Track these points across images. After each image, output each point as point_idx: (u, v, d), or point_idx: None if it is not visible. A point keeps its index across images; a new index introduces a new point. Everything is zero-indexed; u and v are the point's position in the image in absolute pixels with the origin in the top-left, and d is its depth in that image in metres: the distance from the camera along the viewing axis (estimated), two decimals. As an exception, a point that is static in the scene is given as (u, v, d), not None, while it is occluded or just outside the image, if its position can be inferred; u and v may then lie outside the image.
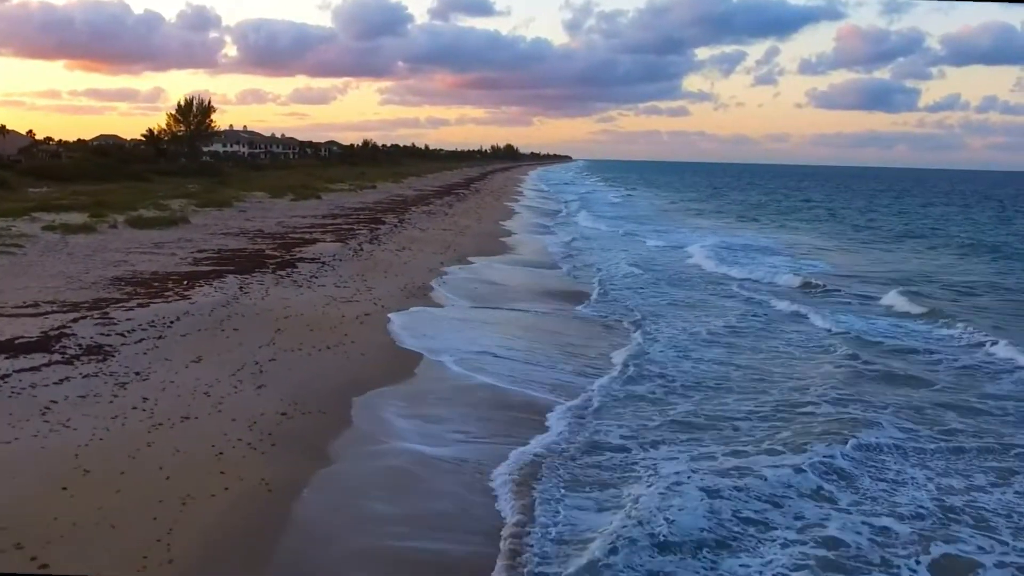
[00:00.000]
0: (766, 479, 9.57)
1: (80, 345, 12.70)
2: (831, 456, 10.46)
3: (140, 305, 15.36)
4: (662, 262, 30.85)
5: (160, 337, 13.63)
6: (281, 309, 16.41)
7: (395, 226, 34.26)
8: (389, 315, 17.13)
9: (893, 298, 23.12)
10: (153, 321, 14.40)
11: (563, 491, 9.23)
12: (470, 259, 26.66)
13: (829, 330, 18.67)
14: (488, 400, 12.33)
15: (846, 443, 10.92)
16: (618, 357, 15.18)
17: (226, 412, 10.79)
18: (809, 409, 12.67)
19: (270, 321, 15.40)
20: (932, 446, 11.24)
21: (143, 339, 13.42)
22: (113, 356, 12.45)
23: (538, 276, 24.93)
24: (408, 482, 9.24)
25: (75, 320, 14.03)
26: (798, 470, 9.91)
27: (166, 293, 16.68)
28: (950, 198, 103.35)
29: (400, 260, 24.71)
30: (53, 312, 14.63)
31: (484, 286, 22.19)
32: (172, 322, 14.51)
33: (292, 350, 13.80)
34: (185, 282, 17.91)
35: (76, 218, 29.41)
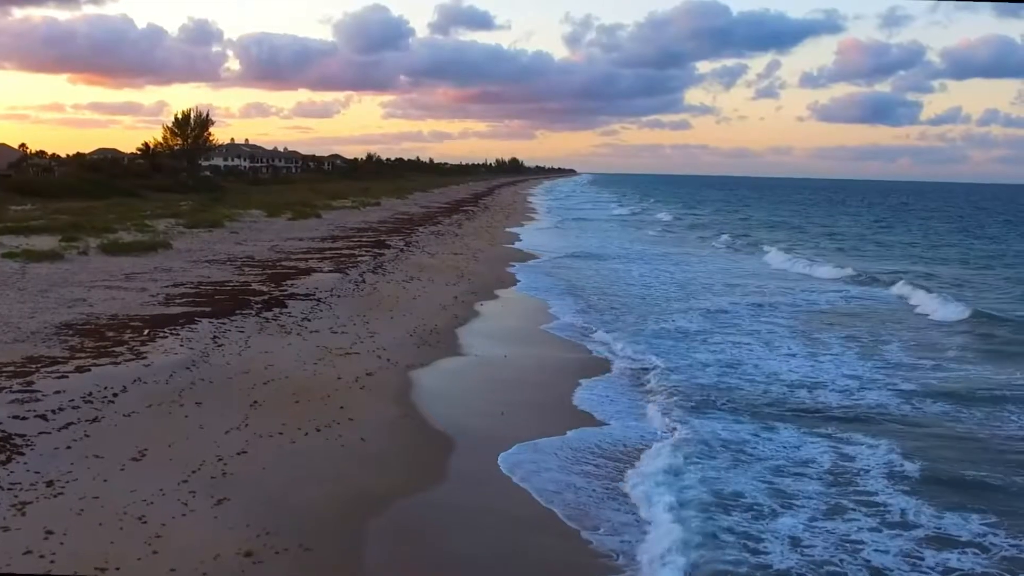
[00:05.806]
0: None
1: (-21, 437, 9.33)
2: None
3: (80, 369, 11.97)
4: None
5: (95, 420, 10.23)
6: (261, 369, 13.01)
7: (401, 250, 30.86)
8: (404, 374, 13.75)
9: None
10: (91, 393, 11.01)
11: None
12: (496, 292, 23.22)
13: None
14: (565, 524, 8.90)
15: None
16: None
17: (164, 554, 7.40)
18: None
19: (245, 389, 11.99)
20: None
21: (71, 423, 10.02)
22: (22, 454, 9.08)
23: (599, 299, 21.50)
24: None
25: (-14, 394, 10.65)
26: None
27: (118, 348, 13.28)
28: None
29: (408, 294, 21.29)
30: (-38, 381, 11.27)
31: (517, 327, 18.82)
32: (116, 394, 11.12)
33: (270, 435, 10.40)
34: (146, 331, 14.51)
35: (46, 242, 26.19)
